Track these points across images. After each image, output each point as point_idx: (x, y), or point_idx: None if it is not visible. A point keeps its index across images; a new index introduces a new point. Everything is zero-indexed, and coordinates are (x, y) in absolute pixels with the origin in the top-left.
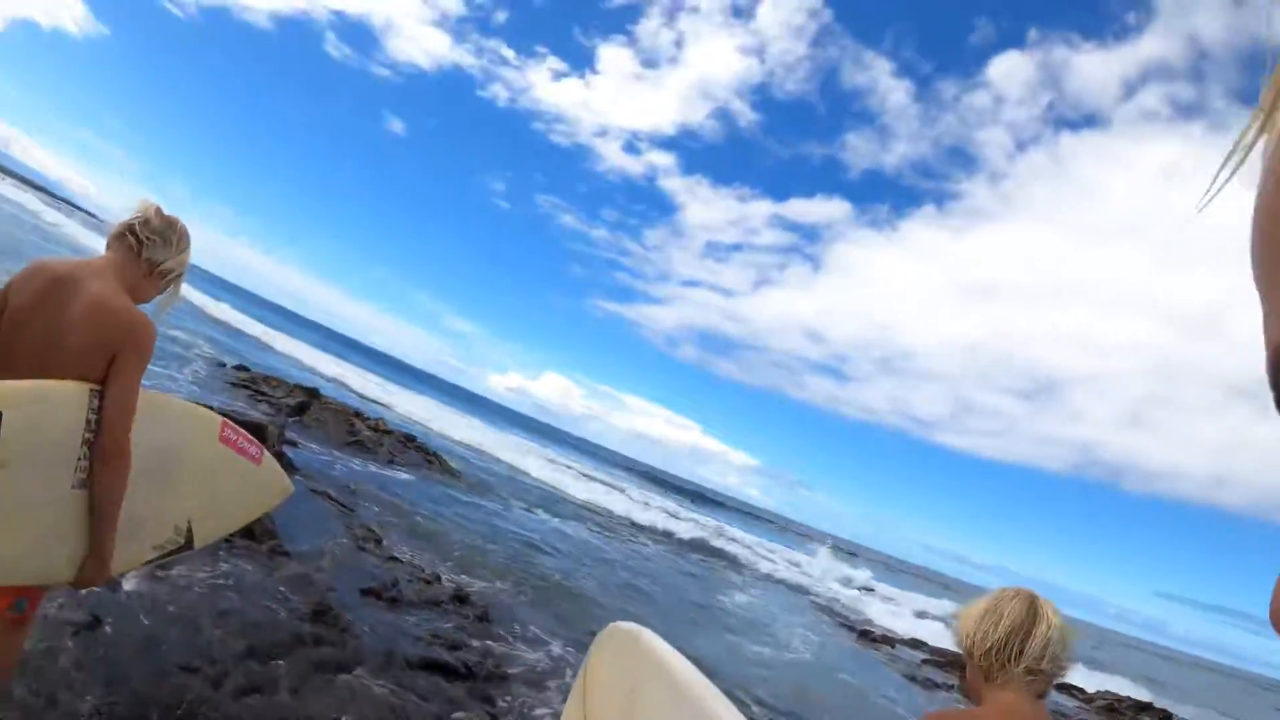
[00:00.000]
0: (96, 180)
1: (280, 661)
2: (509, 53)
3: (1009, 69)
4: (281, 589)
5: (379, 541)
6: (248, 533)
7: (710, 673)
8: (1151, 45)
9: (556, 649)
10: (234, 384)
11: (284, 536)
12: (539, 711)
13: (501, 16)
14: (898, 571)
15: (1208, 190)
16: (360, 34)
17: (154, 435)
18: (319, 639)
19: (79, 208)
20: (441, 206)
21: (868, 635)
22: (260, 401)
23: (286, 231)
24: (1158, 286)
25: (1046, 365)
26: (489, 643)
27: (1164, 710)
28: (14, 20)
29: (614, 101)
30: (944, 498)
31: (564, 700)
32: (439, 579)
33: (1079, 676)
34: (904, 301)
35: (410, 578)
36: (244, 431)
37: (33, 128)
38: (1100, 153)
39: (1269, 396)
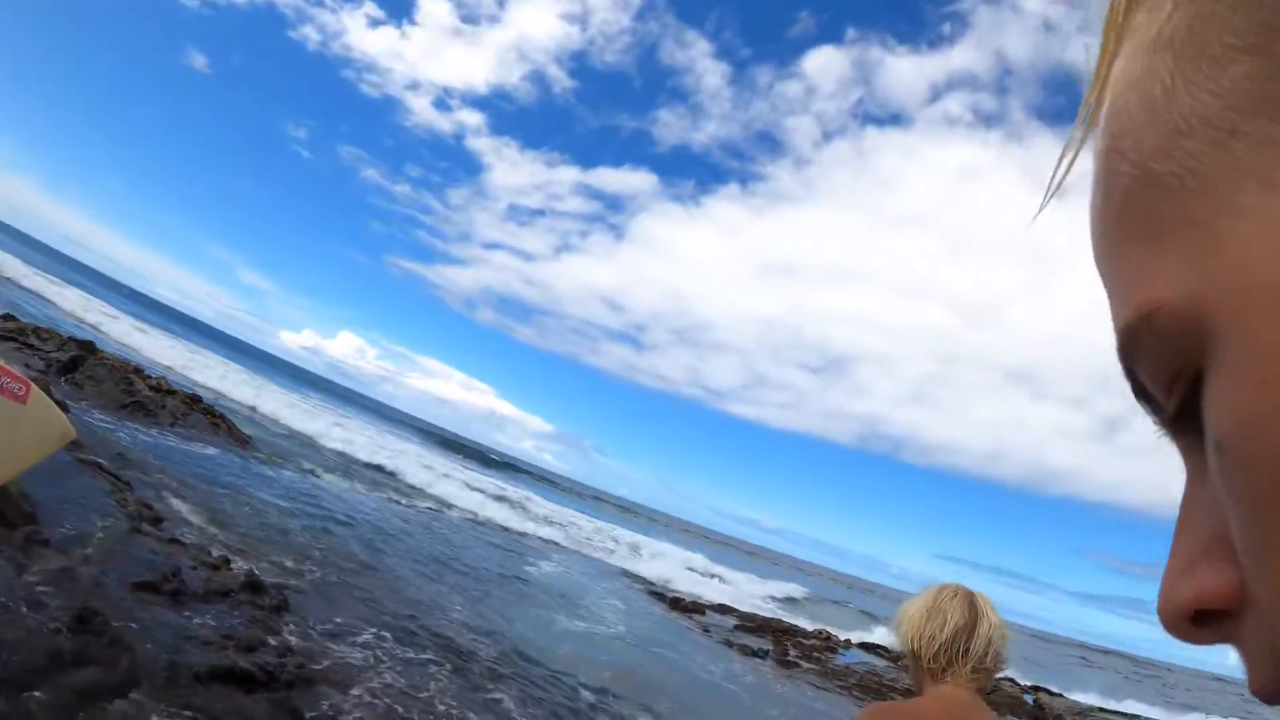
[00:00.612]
0: None
1: (33, 693)
2: None
3: (824, 62)
4: (38, 589)
5: (158, 521)
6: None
7: (528, 658)
8: (962, 56)
9: (366, 638)
10: None
11: (43, 520)
12: (351, 717)
13: None
14: (692, 535)
15: (1041, 203)
16: None
17: None
18: (82, 656)
19: None
20: (240, 152)
21: (679, 604)
22: (29, 355)
23: (70, 169)
24: (946, 276)
25: (837, 343)
26: (290, 639)
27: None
28: None
29: (429, 55)
30: (736, 465)
31: (377, 704)
32: (228, 564)
33: (877, 637)
34: (703, 275)
35: (195, 564)
36: (7, 367)
37: None
38: (902, 149)
39: (1041, 381)
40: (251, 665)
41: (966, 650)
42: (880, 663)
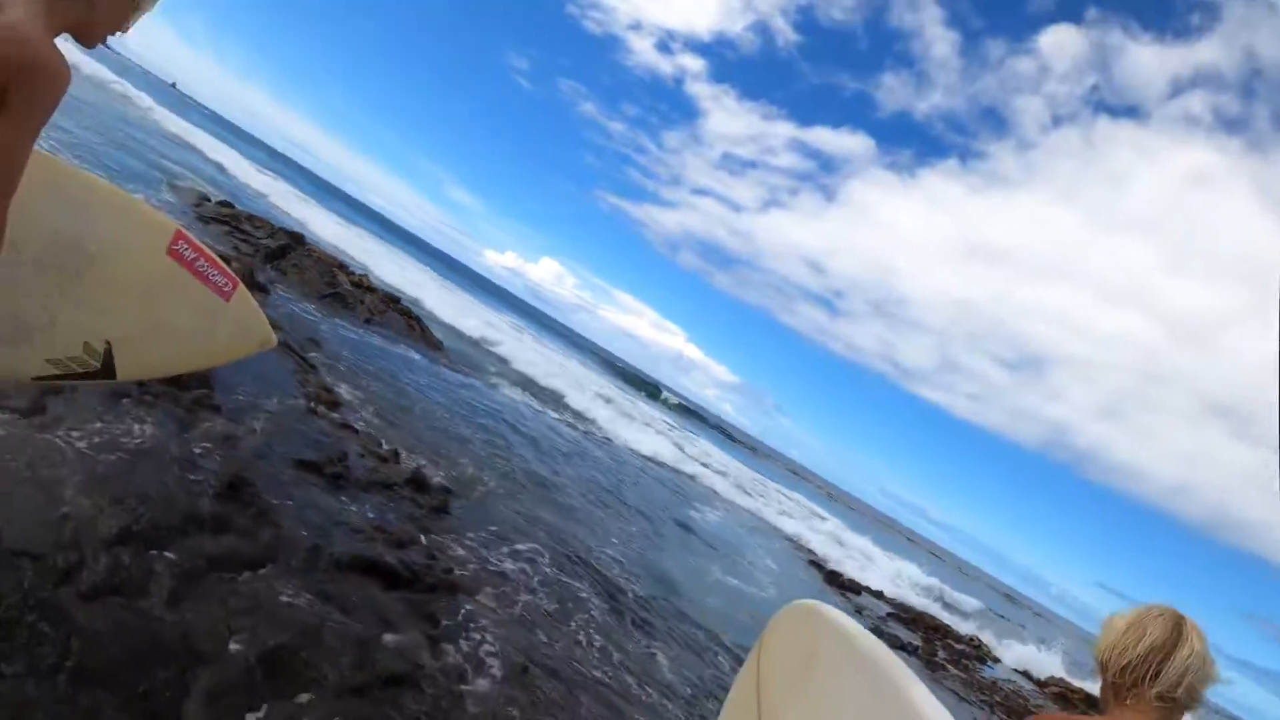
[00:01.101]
0: None
1: (163, 552)
2: None
3: (1060, 42)
4: (194, 452)
5: (335, 405)
6: (171, 377)
7: (678, 608)
8: (1209, 50)
9: (521, 554)
10: (213, 218)
11: (219, 386)
12: (491, 636)
13: None
14: (858, 513)
15: None
16: None
17: (62, 220)
18: (223, 523)
19: None
20: (462, 76)
21: (836, 579)
22: (239, 240)
23: (300, 81)
24: (1161, 287)
25: (1036, 340)
26: (444, 539)
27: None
28: None
29: None
30: (912, 447)
31: (521, 624)
32: (397, 457)
33: (1026, 656)
34: (909, 249)
35: (363, 452)
36: (211, 254)
37: None
38: (1134, 144)
39: (1245, 419)
40: (397, 561)
41: (1158, 673)
42: (1027, 685)
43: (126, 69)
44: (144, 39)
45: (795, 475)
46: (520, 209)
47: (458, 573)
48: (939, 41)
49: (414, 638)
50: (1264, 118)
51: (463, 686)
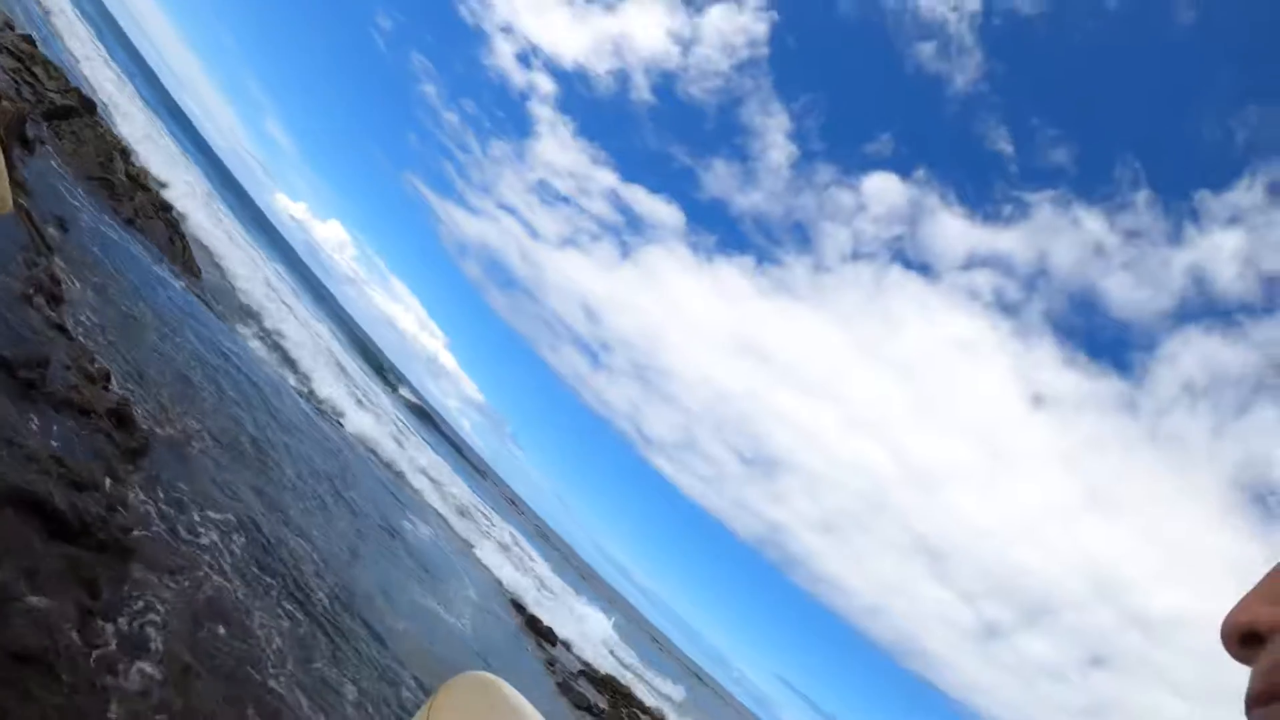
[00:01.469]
0: None
1: None
2: None
3: (884, 188)
4: None
5: (56, 302)
6: None
7: (368, 623)
8: (1009, 239)
9: (217, 523)
10: (5, 47)
11: None
12: (158, 619)
13: None
14: (567, 560)
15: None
16: None
17: None
18: None
19: None
20: (323, 17)
21: (535, 625)
22: (24, 83)
23: None
24: (904, 428)
25: (777, 443)
26: (132, 490)
27: None
28: None
29: (535, 8)
30: (635, 512)
31: (196, 610)
32: (107, 381)
33: None
34: (685, 326)
35: (70, 364)
36: None
37: None
38: (917, 298)
39: (946, 563)
40: (67, 505)
41: None
42: None
43: None
44: None
45: (515, 508)
46: (328, 164)
47: (137, 533)
48: (777, 149)
49: (63, 606)
50: (1036, 311)
51: (109, 679)
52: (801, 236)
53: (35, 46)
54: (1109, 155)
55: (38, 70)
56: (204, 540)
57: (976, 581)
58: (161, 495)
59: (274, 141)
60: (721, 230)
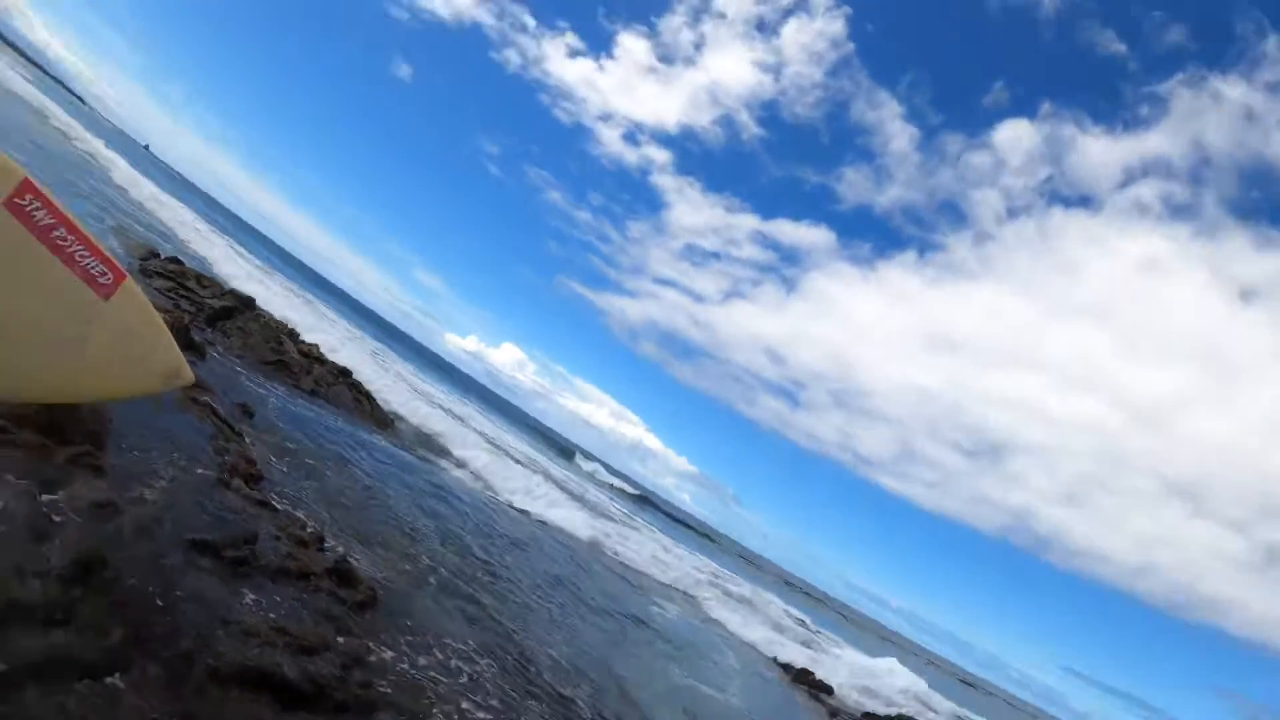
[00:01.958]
0: (92, 64)
1: None
2: (530, 20)
3: (1015, 136)
4: (50, 520)
5: (255, 479)
6: (50, 425)
7: (636, 706)
8: (1157, 140)
9: (460, 653)
10: (157, 272)
11: (112, 447)
12: None
13: None
14: (821, 604)
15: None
16: None
17: None
18: (63, 613)
19: (71, 90)
20: (432, 160)
21: (805, 678)
22: (181, 297)
23: (270, 154)
24: (1117, 372)
25: (995, 428)
26: (366, 642)
27: None
28: None
29: (623, 89)
30: (872, 538)
31: None
32: (320, 543)
33: None
34: (868, 340)
35: (279, 534)
36: (85, 233)
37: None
38: (1086, 234)
39: (1203, 497)
40: (298, 673)
41: None
42: None
43: (99, 126)
44: (122, 99)
45: (754, 566)
46: (483, 293)
47: (378, 686)
48: (898, 136)
49: None
50: (1211, 204)
51: None
52: (953, 214)
53: (183, 264)
54: (1222, 15)
55: (190, 284)
56: (452, 675)
57: (1239, 506)
58: (398, 641)
59: (428, 288)
60: (873, 235)
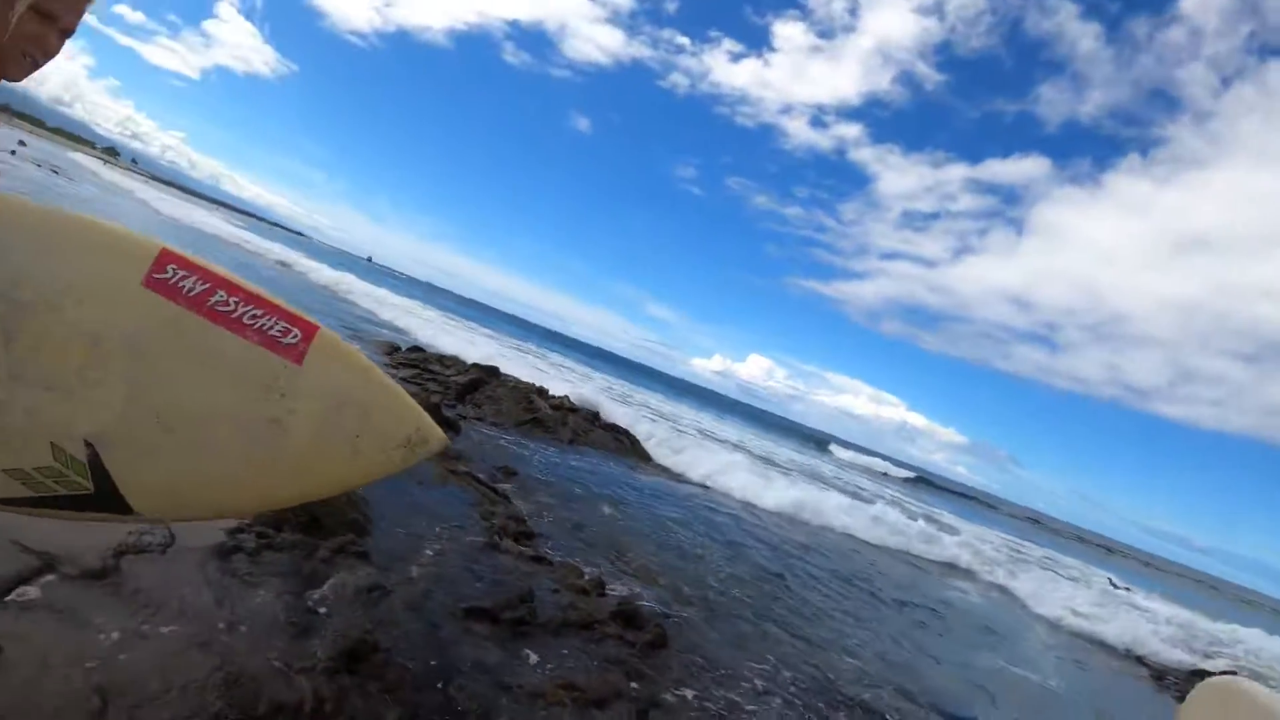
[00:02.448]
0: (303, 203)
1: None
2: (683, 40)
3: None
4: (316, 613)
5: (527, 538)
6: (310, 522)
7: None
8: None
9: (763, 687)
10: (402, 363)
11: (376, 529)
12: None
13: (672, 5)
14: (1133, 561)
15: None
16: (536, 40)
17: None
18: (333, 706)
19: (288, 229)
20: (632, 197)
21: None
22: (428, 379)
23: (483, 234)
24: None
25: (1272, 323)
26: (660, 684)
27: None
28: (209, 69)
29: (794, 77)
30: (1161, 473)
31: None
32: (602, 588)
33: None
34: (1113, 261)
35: (557, 587)
36: (250, 288)
37: (239, 164)
38: None
39: None
40: None
41: None
42: None
43: (321, 251)
44: (337, 224)
45: (1042, 526)
46: (716, 311)
47: None
48: (1083, 38)
49: None
50: None
51: None
52: (1164, 101)
53: (424, 351)
54: None
55: (434, 366)
56: (756, 699)
57: None
58: (694, 675)
59: (662, 320)
60: (1088, 148)
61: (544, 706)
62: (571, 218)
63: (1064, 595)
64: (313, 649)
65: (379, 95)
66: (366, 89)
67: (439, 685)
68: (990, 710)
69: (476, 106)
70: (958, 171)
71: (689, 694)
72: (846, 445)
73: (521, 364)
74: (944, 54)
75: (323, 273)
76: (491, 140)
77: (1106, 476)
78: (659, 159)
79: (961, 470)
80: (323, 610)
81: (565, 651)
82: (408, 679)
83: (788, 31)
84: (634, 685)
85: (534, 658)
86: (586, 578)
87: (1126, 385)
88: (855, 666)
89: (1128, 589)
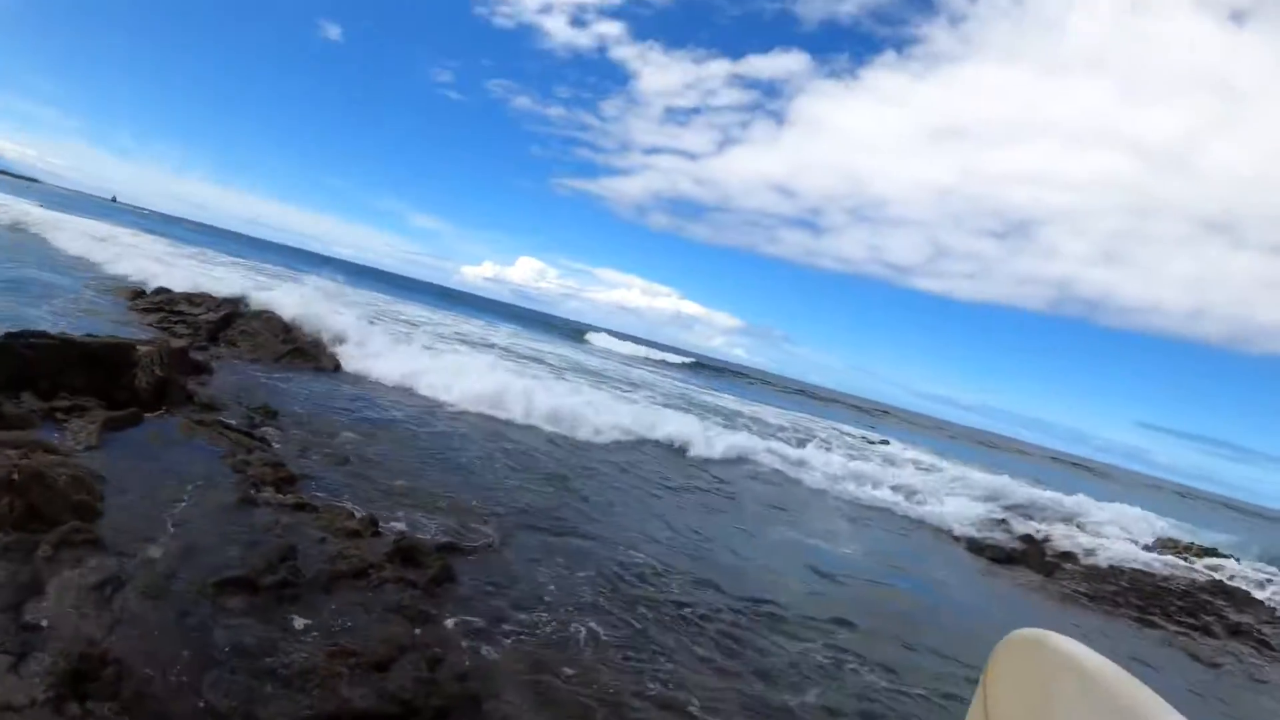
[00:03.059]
0: (35, 145)
1: None
2: None
3: None
4: (40, 625)
5: (289, 482)
6: (26, 512)
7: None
8: None
9: (567, 599)
10: (147, 308)
11: (109, 507)
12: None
13: None
14: (886, 416)
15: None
16: None
17: None
18: None
19: (15, 175)
20: (390, 107)
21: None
22: (175, 322)
23: (236, 160)
24: (1125, 119)
25: (1018, 205)
26: (450, 626)
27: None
28: None
29: None
30: (925, 342)
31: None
32: (375, 526)
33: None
34: (872, 150)
35: (324, 535)
36: None
37: None
38: None
39: (1240, 228)
40: (373, 700)
41: None
42: (1144, 553)
43: (58, 198)
44: (77, 162)
45: (820, 400)
46: (484, 217)
47: (470, 681)
48: None
49: None
50: None
51: None
52: (921, 2)
53: (171, 291)
54: None
55: (181, 307)
56: (561, 626)
57: (1277, 229)
58: (489, 607)
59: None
60: (846, 44)
61: (317, 683)
62: (327, 133)
63: (835, 459)
64: (31, 678)
65: (110, 19)
66: (93, 12)
67: (190, 690)
68: (779, 586)
69: (219, 22)
70: (719, 67)
71: (481, 623)
72: (622, 337)
73: (280, 293)
74: None
75: (58, 221)
76: (237, 57)
77: (876, 348)
78: (416, 65)
79: (740, 353)
80: (44, 624)
81: (337, 608)
82: (150, 691)
83: None
84: (418, 632)
85: (301, 623)
86: (357, 517)
87: (888, 263)
88: (650, 558)
89: (885, 441)
